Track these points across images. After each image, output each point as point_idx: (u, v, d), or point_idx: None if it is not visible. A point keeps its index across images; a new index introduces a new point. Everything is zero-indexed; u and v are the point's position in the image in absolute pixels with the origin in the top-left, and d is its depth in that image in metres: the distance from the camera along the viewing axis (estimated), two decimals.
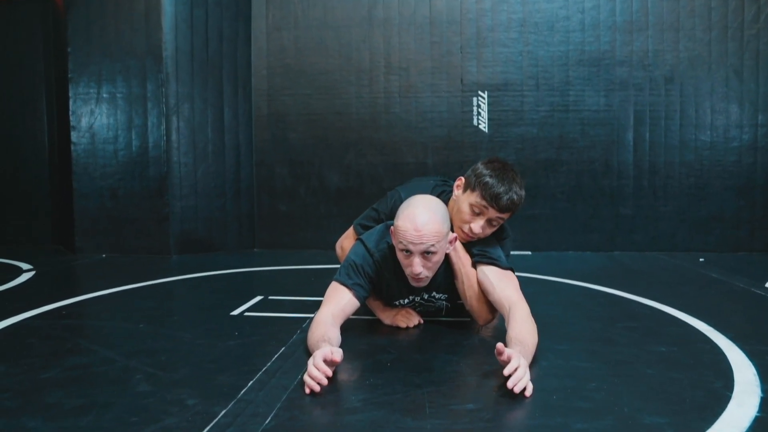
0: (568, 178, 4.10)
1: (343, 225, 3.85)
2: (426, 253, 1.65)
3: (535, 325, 1.61)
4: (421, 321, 1.98)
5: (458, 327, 1.98)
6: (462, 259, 1.82)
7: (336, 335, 1.63)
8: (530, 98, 4.08)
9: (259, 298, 2.49)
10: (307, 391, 1.35)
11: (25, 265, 3.38)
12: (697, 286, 2.79)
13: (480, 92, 4.10)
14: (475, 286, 1.82)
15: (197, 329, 1.96)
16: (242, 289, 2.71)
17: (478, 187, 1.76)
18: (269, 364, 1.58)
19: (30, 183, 4.51)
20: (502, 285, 1.75)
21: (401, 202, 1.85)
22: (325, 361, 1.38)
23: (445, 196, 1.94)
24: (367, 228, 2.02)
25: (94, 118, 3.85)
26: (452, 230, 1.80)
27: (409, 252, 1.66)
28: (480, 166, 1.81)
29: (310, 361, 1.38)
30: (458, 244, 1.82)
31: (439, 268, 1.79)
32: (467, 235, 1.82)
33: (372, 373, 1.52)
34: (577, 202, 4.09)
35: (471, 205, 1.78)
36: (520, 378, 1.32)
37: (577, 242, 4.10)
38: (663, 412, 1.25)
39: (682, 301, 2.36)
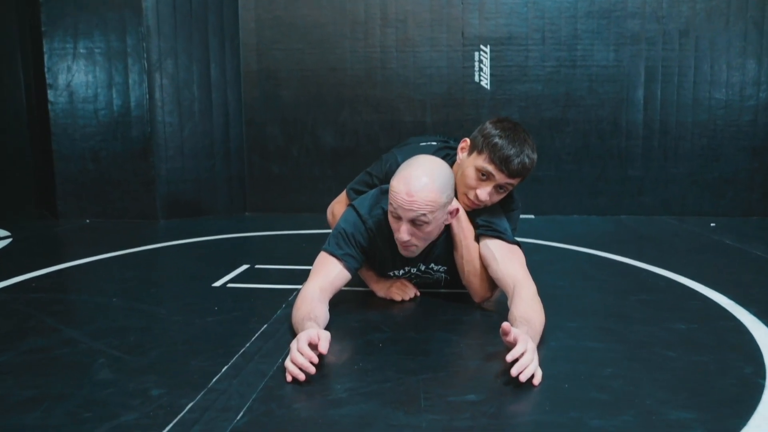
0: (575, 138, 3.89)
1: (339, 187, 3.67)
2: (416, 222, 1.49)
3: (542, 306, 1.46)
4: (418, 293, 1.83)
5: (457, 300, 1.82)
6: (464, 230, 1.65)
7: (324, 313, 1.48)
8: (535, 53, 3.83)
9: (244, 267, 2.33)
10: (289, 378, 1.20)
11: (2, 232, 3.21)
12: (712, 254, 2.64)
13: (482, 46, 3.85)
14: (476, 260, 1.65)
15: (175, 303, 1.81)
16: (228, 256, 2.55)
17: (485, 149, 1.58)
18: (248, 345, 1.43)
19: (10, 144, 4.29)
20: (507, 261, 1.58)
21: (397, 166, 1.68)
22: (311, 346, 1.23)
23: (449, 159, 1.75)
24: (360, 193, 1.84)
25: (71, 75, 3.61)
26: (456, 198, 1.63)
27: (398, 216, 1.50)
28: (488, 126, 1.61)
29: (293, 344, 1.23)
30: (462, 213, 1.65)
31: (437, 239, 1.62)
32: (472, 202, 1.65)
33: (362, 355, 1.37)
34: (584, 164, 3.90)
35: (477, 170, 1.60)
36: (526, 365, 1.17)
37: (583, 206, 3.93)
38: (690, 406, 1.10)
39: (698, 271, 2.20)
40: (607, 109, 3.84)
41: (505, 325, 1.24)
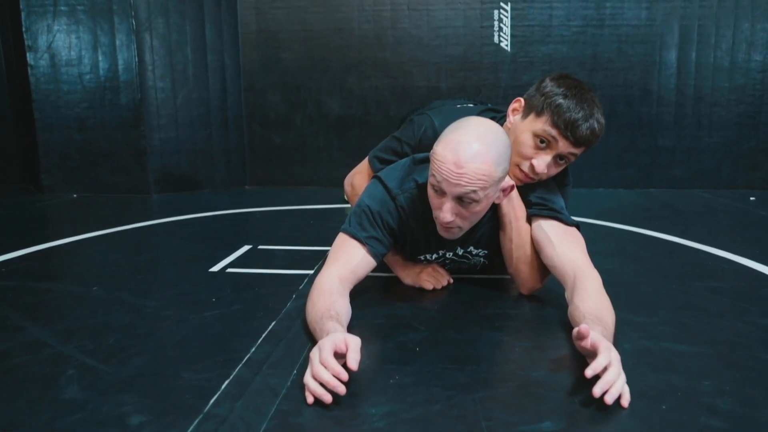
0: (601, 104, 3.57)
1: (345, 159, 3.38)
2: (463, 200, 1.21)
3: (609, 300, 1.20)
4: (451, 281, 1.57)
5: (497, 288, 1.56)
6: (516, 210, 1.38)
7: (345, 308, 1.22)
8: (560, 11, 3.50)
9: (246, 247, 2.06)
10: (310, 399, 0.93)
11: None
12: (766, 231, 2.37)
13: (502, 4, 3.51)
14: (527, 245, 1.39)
15: (165, 293, 1.54)
16: (227, 236, 2.28)
17: (546, 111, 1.29)
18: (253, 349, 1.16)
19: None
20: (565, 245, 1.32)
21: (434, 131, 1.40)
22: (336, 355, 0.96)
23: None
24: (386, 162, 1.56)
25: (52, 35, 3.28)
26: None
27: (441, 191, 1.22)
28: (548, 84, 1.32)
29: (314, 354, 0.97)
30: (514, 191, 1.37)
31: (482, 218, 1.35)
32: (526, 175, 1.37)
33: (396, 365, 1.10)
34: (611, 133, 3.60)
35: (535, 135, 1.32)
36: (612, 382, 0.90)
37: (610, 178, 3.64)
38: None
39: (759, 251, 1.94)
40: (637, 72, 3.53)
41: (583, 327, 0.97)
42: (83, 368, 1.08)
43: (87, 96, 3.31)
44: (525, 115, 1.36)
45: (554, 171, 1.38)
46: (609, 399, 0.89)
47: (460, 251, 1.48)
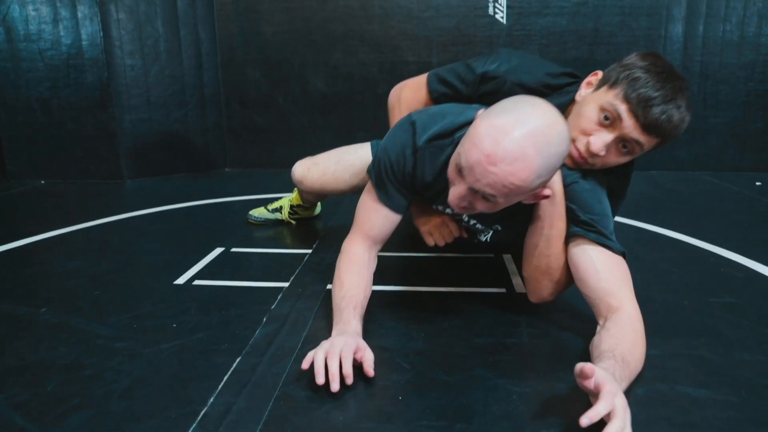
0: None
1: (330, 140, 3.16)
2: (480, 194, 1.02)
3: (644, 339, 1.06)
4: (464, 235, 1.44)
5: (490, 305, 1.41)
6: (554, 217, 1.19)
7: (368, 290, 1.27)
8: None
9: (218, 250, 1.89)
10: (305, 365, 1.03)
11: None
12: None
13: None
14: (553, 258, 1.22)
15: (122, 317, 1.37)
16: (199, 235, 2.10)
17: (621, 83, 1.11)
18: (212, 399, 1.01)
19: None
20: (611, 280, 1.14)
21: (504, 69, 1.30)
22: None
23: (563, 98, 1.29)
24: (445, 84, 1.41)
25: (5, 6, 3.00)
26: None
27: (461, 174, 1.03)
28: (633, 57, 1.16)
29: (337, 343, 1.03)
30: (559, 193, 1.18)
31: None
32: (581, 154, 1.17)
33: (374, 422, 0.95)
34: None
35: (601, 108, 1.13)
36: None
37: None
38: None
39: (764, 252, 1.80)
40: (641, 47, 3.30)
41: (587, 367, 0.84)
42: (6, 428, 0.92)
43: (49, 74, 3.06)
44: (598, 87, 1.17)
45: (614, 159, 1.17)
46: None
47: (472, 222, 1.35)
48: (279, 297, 1.48)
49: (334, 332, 1.14)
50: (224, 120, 3.54)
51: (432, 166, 1.23)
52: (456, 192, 1.05)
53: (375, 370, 1.06)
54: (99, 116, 3.12)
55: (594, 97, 1.16)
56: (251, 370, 1.11)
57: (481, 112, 1.05)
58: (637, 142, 1.13)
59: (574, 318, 1.36)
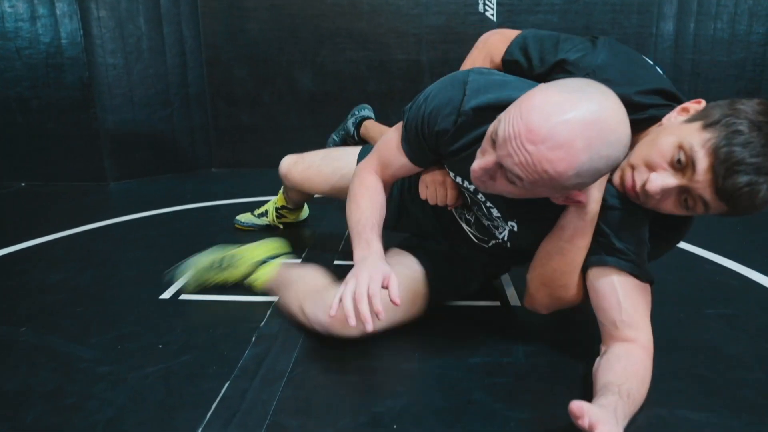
0: None
1: (318, 138, 3.11)
2: (510, 179, 0.90)
3: (650, 373, 1.03)
4: (450, 205, 1.28)
5: (484, 319, 1.37)
6: (578, 233, 1.07)
7: (383, 214, 1.24)
8: None
9: None
10: (333, 312, 1.01)
11: None
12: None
13: None
14: (562, 274, 1.12)
15: (105, 337, 1.32)
16: (185, 243, 2.04)
17: (719, 128, 0.92)
18: (200, 430, 0.97)
19: None
20: (632, 309, 1.07)
21: (585, 60, 1.11)
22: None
23: (641, 113, 1.09)
24: (523, 56, 1.21)
25: None
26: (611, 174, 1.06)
27: (492, 146, 0.91)
28: (750, 104, 0.93)
29: (363, 276, 1.01)
30: (594, 210, 1.05)
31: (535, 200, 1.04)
32: (633, 187, 1.01)
33: None
34: None
35: (679, 147, 0.95)
36: None
37: None
38: None
39: (760, 258, 1.79)
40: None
41: (575, 406, 0.81)
42: None
43: (28, 74, 2.97)
44: (692, 120, 0.98)
45: (669, 208, 1.00)
46: None
47: (494, 211, 1.19)
48: (268, 313, 1.44)
49: (355, 256, 1.12)
50: (210, 119, 3.47)
51: (468, 136, 1.09)
52: (482, 162, 0.92)
53: (369, 394, 1.02)
54: (80, 117, 3.03)
55: (680, 129, 0.97)
56: (240, 396, 1.07)
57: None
58: (704, 201, 0.95)
59: (571, 334, 1.34)
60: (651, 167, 0.98)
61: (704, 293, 1.57)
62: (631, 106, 0.97)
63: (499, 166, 0.89)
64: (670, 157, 0.96)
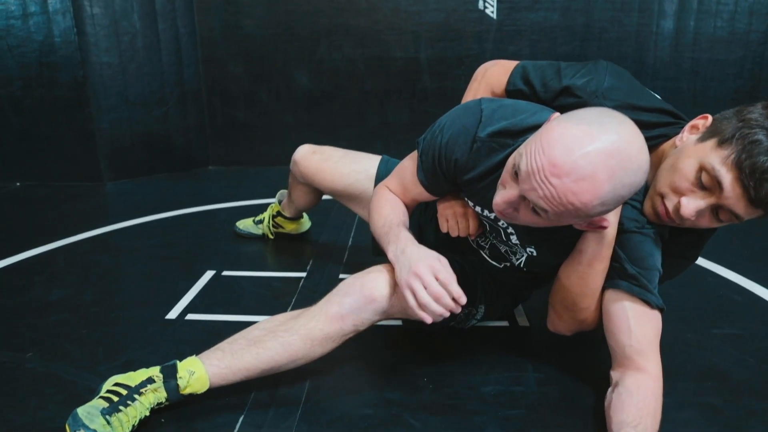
0: None
1: (315, 137, 3.06)
2: (530, 205, 0.91)
3: (660, 401, 1.04)
4: (474, 234, 1.26)
5: (493, 345, 1.38)
6: (597, 254, 1.09)
7: (405, 212, 1.23)
8: None
9: (209, 274, 1.83)
10: (428, 318, 1.00)
11: None
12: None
13: None
14: (582, 297, 1.14)
15: (111, 365, 1.31)
16: (187, 253, 2.02)
17: (736, 143, 0.93)
18: None
19: None
20: (642, 336, 1.08)
21: (595, 85, 1.12)
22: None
23: (651, 132, 1.11)
24: (526, 85, 1.22)
25: None
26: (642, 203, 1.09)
27: (515, 178, 0.91)
28: (757, 110, 0.96)
29: (423, 271, 0.99)
30: (611, 235, 1.07)
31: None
32: (667, 213, 1.03)
33: None
34: None
35: (702, 168, 0.97)
36: None
37: None
38: None
39: (759, 269, 1.81)
40: (632, 44, 3.27)
41: None
42: None
43: (21, 73, 2.91)
44: (704, 138, 0.99)
45: (705, 224, 1.02)
46: None
47: (513, 238, 1.19)
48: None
49: (390, 254, 1.10)
50: (206, 117, 3.42)
51: (486, 163, 1.08)
52: (505, 195, 0.93)
53: (385, 429, 1.02)
54: (75, 116, 2.98)
55: (696, 150, 0.98)
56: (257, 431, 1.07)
57: (556, 115, 0.94)
58: (736, 215, 0.97)
59: (580, 355, 1.34)
60: (679, 192, 1.00)
61: (709, 311, 1.59)
62: (640, 125, 0.99)
63: (523, 198, 0.91)
64: (694, 179, 0.98)
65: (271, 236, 2.13)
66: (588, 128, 0.83)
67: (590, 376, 1.25)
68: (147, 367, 1.25)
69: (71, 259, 1.98)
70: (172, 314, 1.55)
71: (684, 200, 0.98)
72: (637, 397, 1.02)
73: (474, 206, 1.20)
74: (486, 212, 1.17)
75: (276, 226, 2.11)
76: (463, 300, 1.00)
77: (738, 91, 3.30)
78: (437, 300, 0.99)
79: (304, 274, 1.82)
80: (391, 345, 1.39)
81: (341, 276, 1.79)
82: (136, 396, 1.07)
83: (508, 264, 1.29)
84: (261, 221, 2.16)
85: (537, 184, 0.85)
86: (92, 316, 1.55)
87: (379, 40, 3.29)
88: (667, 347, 1.36)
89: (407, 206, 1.27)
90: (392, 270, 1.10)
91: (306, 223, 2.16)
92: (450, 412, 1.13)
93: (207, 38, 3.27)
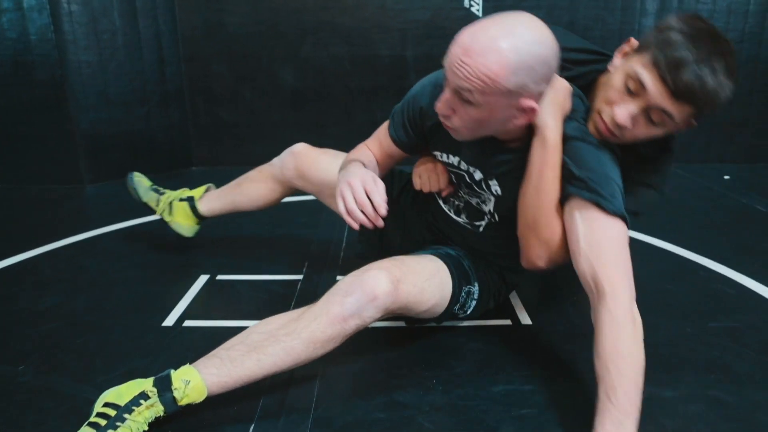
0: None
1: (301, 135, 3.04)
2: (461, 96, 1.01)
3: (639, 338, 1.01)
4: (446, 191, 1.39)
5: (497, 341, 1.38)
6: (544, 165, 1.11)
7: (372, 161, 1.36)
8: None
9: (204, 278, 1.79)
10: (354, 224, 1.10)
11: None
12: (753, 230, 2.27)
13: None
14: (542, 210, 1.14)
15: (110, 376, 1.27)
16: (178, 256, 1.98)
17: (652, 47, 1.03)
18: None
19: None
20: (598, 248, 1.06)
21: None
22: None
23: (587, 67, 1.25)
24: None
25: None
26: (587, 119, 1.16)
27: (446, 78, 1.04)
28: (671, 20, 1.06)
29: (355, 184, 1.10)
30: (552, 137, 1.10)
31: (511, 144, 1.18)
32: (607, 127, 1.10)
33: None
34: None
35: (626, 76, 1.06)
36: None
37: None
38: None
39: (755, 264, 1.84)
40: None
41: None
42: None
43: None
44: (630, 55, 1.09)
45: (643, 131, 1.09)
46: None
47: (477, 175, 1.26)
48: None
49: (342, 172, 1.21)
50: (189, 117, 3.35)
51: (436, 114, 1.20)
52: (441, 98, 1.07)
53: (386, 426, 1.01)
54: (54, 116, 2.89)
55: (622, 65, 1.09)
56: None
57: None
58: (665, 112, 1.04)
59: (588, 354, 1.35)
60: (612, 103, 1.09)
61: (705, 304, 1.61)
62: (570, 62, 1.22)
63: (455, 93, 1.02)
64: (622, 88, 1.07)
65: (157, 212, 1.89)
66: (491, 18, 1.00)
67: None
68: (147, 376, 1.21)
69: (58, 266, 1.92)
70: (169, 321, 1.52)
71: (616, 108, 1.08)
72: (611, 344, 1.00)
73: (441, 155, 1.32)
74: (451, 157, 1.29)
75: (171, 210, 1.86)
76: (383, 210, 1.08)
77: None
78: (362, 207, 1.08)
79: (301, 276, 1.80)
80: (396, 346, 1.38)
81: (338, 277, 1.77)
82: (126, 416, 1.01)
83: (484, 222, 1.35)
84: (163, 193, 1.91)
85: (456, 69, 0.99)
86: (86, 324, 1.50)
87: (365, 38, 3.27)
88: (669, 340, 1.39)
89: (382, 164, 1.40)
90: (391, 266, 1.15)
91: (195, 230, 1.90)
92: (462, 413, 1.13)
93: (189, 36, 3.21)
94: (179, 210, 1.86)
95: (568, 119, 1.13)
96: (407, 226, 1.55)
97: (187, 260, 1.93)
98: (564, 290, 1.71)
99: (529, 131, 1.13)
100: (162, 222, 1.91)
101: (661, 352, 1.35)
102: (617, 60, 1.14)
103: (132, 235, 2.20)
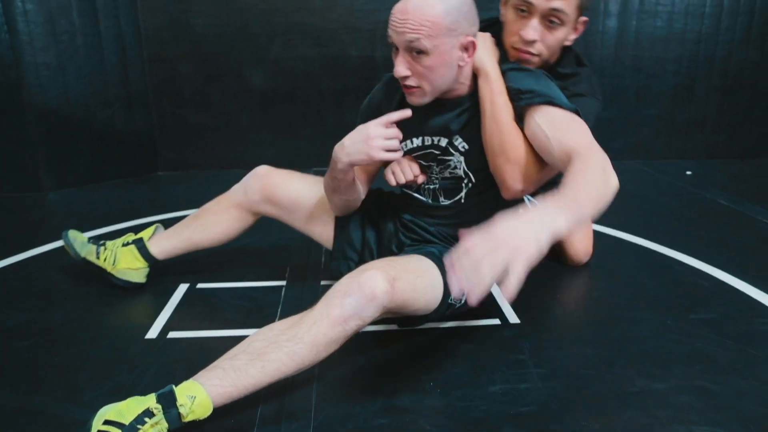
0: None
1: (272, 138, 2.99)
2: (413, 50, 1.18)
3: (610, 177, 1.08)
4: (420, 179, 1.43)
5: (496, 338, 1.39)
6: (492, 93, 1.27)
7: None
8: None
9: (184, 287, 1.74)
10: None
11: None
12: (716, 223, 2.37)
13: None
14: (505, 136, 1.26)
15: (96, 393, 1.22)
16: (156, 266, 1.91)
17: None
18: None
19: None
20: (563, 132, 1.19)
21: None
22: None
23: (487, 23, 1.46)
24: None
25: None
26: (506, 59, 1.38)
27: (394, 46, 1.22)
28: None
29: (369, 132, 1.23)
30: (492, 70, 1.28)
31: (463, 100, 1.33)
32: (525, 51, 1.36)
33: None
34: None
35: (514, 7, 1.36)
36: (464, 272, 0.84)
37: None
38: None
39: (725, 257, 1.92)
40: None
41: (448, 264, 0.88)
42: None
43: None
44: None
45: (551, 38, 1.36)
46: (472, 299, 0.85)
47: (436, 141, 1.38)
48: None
49: (331, 164, 1.31)
50: (155, 119, 3.25)
51: (400, 91, 1.34)
52: (397, 62, 1.21)
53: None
54: (10, 121, 2.76)
55: (507, 3, 1.38)
56: None
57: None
58: (555, 9, 1.31)
59: (581, 350, 1.37)
60: (515, 32, 1.36)
61: (683, 297, 1.67)
62: (481, 29, 1.37)
63: (407, 51, 1.19)
64: (516, 16, 1.35)
65: (99, 264, 1.67)
66: None
67: (591, 366, 1.29)
68: (137, 392, 1.17)
69: (26, 278, 1.83)
70: (152, 333, 1.46)
71: (522, 32, 1.34)
72: (571, 165, 1.08)
73: (406, 144, 1.39)
74: (415, 141, 1.39)
75: (115, 259, 1.66)
76: (398, 134, 1.23)
77: (677, 87, 3.50)
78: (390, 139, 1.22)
79: (284, 283, 1.77)
80: (388, 349, 1.37)
81: (323, 282, 1.75)
82: None
83: (464, 193, 1.40)
84: (103, 244, 1.70)
85: (402, 27, 1.16)
86: (64, 340, 1.44)
87: (334, 39, 3.25)
88: (653, 333, 1.44)
89: (362, 180, 1.45)
90: (385, 265, 1.16)
91: (145, 273, 1.72)
92: (463, 414, 1.13)
93: (153, 37, 3.12)
94: (124, 255, 1.66)
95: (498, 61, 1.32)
96: (381, 240, 1.54)
97: (164, 269, 1.86)
98: (549, 288, 1.73)
99: (474, 81, 1.30)
100: (131, 230, 1.81)
101: (649, 346, 1.39)
102: (502, 9, 1.42)
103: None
